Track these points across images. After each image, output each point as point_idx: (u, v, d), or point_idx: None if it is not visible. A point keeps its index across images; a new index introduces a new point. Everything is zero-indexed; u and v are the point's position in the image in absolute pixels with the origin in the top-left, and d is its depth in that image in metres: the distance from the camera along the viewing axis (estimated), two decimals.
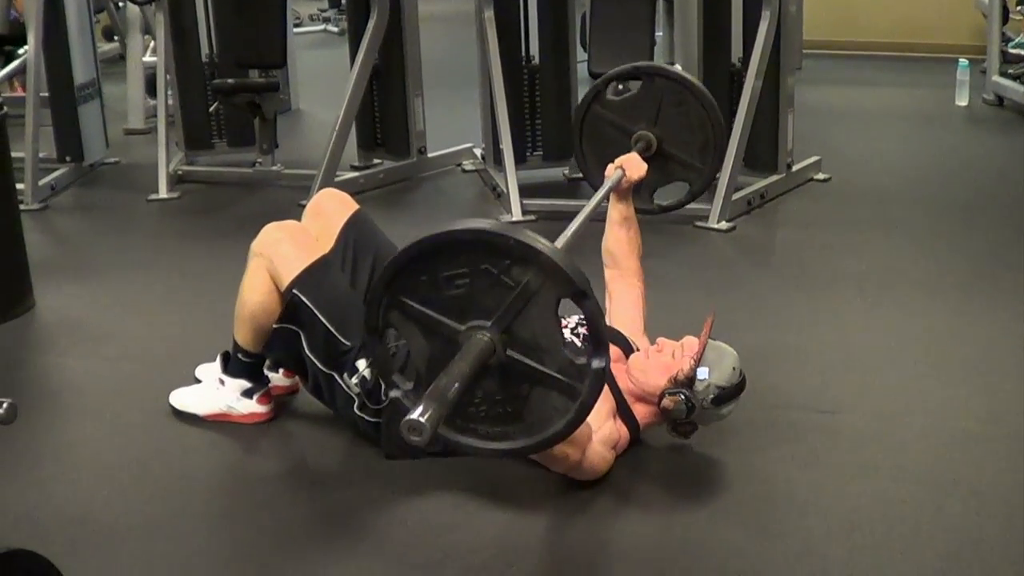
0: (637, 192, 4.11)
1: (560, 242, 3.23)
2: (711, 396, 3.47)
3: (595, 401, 2.75)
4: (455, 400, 2.52)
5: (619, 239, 4.01)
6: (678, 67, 6.26)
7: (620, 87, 4.63)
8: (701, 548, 3.18)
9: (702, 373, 3.46)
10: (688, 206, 4.71)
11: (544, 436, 2.82)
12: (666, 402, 3.48)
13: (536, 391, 2.77)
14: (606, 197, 3.98)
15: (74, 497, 3.54)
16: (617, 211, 4.03)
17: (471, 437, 2.87)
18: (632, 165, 4.03)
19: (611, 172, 4.02)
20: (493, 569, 3.10)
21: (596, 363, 2.71)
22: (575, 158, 4.60)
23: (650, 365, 3.56)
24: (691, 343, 3.56)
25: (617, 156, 4.09)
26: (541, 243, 2.65)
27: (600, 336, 2.71)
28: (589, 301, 2.67)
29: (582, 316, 2.73)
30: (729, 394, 3.50)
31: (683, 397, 3.45)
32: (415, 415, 2.42)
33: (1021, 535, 3.16)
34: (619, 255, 3.99)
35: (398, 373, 2.92)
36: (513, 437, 2.85)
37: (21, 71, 7.46)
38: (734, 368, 3.51)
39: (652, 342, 3.77)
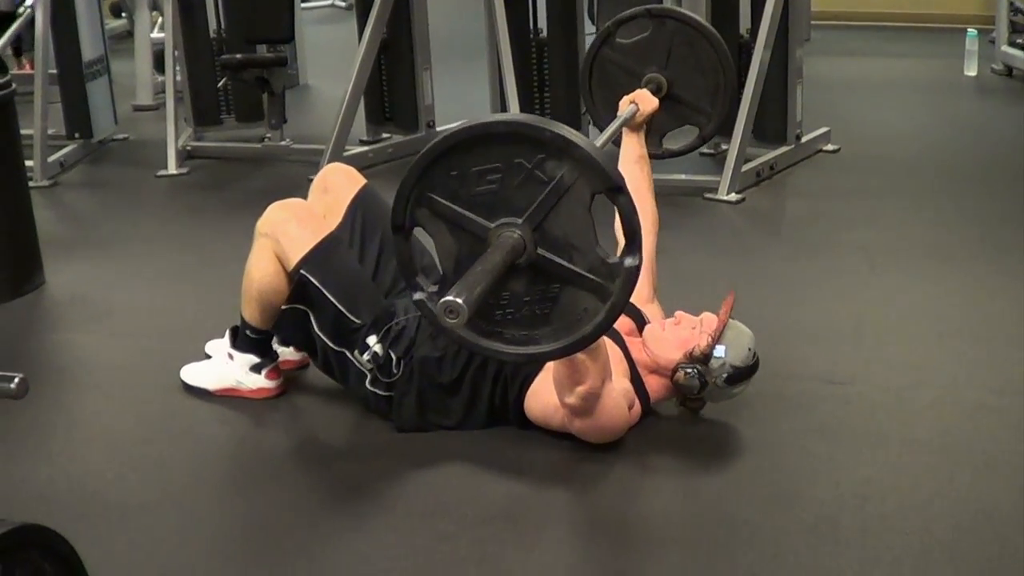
0: (647, 136, 4.09)
1: None
2: (725, 375, 3.48)
3: (626, 302, 2.74)
4: (486, 292, 2.50)
5: (633, 176, 3.91)
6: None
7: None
8: (714, 518, 3.19)
9: (719, 351, 3.47)
10: (697, 178, 4.70)
11: (572, 339, 2.79)
12: (679, 376, 3.48)
13: (566, 291, 2.75)
14: (619, 130, 3.95)
15: (85, 472, 3.55)
16: (631, 149, 4.00)
17: (497, 341, 2.85)
18: (644, 99, 4.01)
19: (624, 106, 4.00)
20: (506, 540, 3.11)
21: (629, 261, 2.69)
22: (583, 102, 4.57)
23: (667, 338, 3.56)
24: (710, 320, 3.56)
25: None
26: (578, 136, 2.63)
27: (635, 233, 2.68)
28: (623, 197, 2.64)
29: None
30: (743, 374, 3.51)
31: (697, 372, 3.46)
32: (451, 296, 2.41)
33: None
34: (634, 194, 3.97)
35: (421, 274, 2.89)
36: (540, 341, 2.82)
37: (19, 40, 7.45)
38: (750, 349, 3.52)
39: (662, 308, 3.77)
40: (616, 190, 2.64)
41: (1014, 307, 4.50)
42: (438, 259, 2.87)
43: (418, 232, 2.88)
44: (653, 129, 4.13)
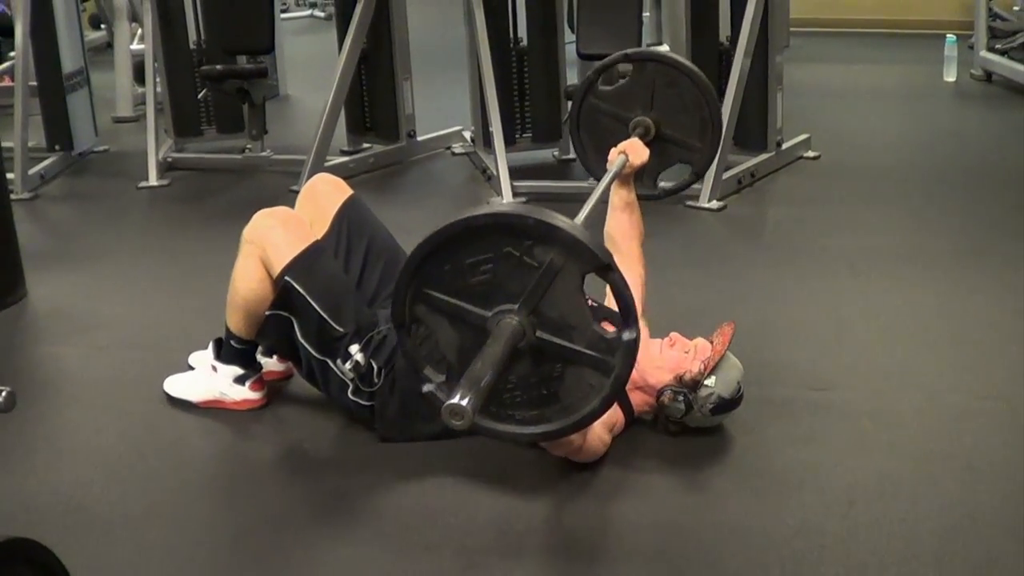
0: (639, 179, 4.09)
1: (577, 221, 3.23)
2: (711, 405, 3.50)
3: (629, 374, 2.77)
4: (491, 385, 2.53)
5: (620, 224, 3.96)
6: (665, 47, 6.25)
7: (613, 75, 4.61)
8: (700, 526, 3.19)
9: (709, 380, 3.49)
10: None
11: (581, 415, 2.84)
12: (666, 398, 3.50)
13: (569, 370, 2.79)
14: (610, 186, 3.97)
15: (70, 484, 3.53)
16: (619, 197, 4.01)
17: (509, 424, 2.90)
18: (635, 150, 4.01)
19: (614, 158, 4.01)
20: (492, 551, 3.11)
21: (627, 335, 2.72)
22: (575, 152, 4.58)
23: (659, 358, 3.59)
24: (703, 346, 3.59)
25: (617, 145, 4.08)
26: (561, 220, 2.65)
27: (629, 308, 2.71)
28: (614, 274, 2.67)
29: None
30: (728, 406, 3.55)
31: (684, 397, 3.47)
32: (455, 399, 2.43)
33: (1017, 509, 3.17)
34: (620, 240, 3.96)
35: (429, 367, 2.92)
36: (550, 419, 2.87)
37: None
38: (738, 382, 3.56)
39: (652, 330, 3.78)
40: (605, 269, 2.68)
41: (996, 311, 4.52)
42: (443, 351, 2.89)
43: None
44: (646, 171, 4.13)
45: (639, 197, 4.04)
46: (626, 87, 4.33)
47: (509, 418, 2.89)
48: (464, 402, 2.44)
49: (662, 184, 4.41)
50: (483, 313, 2.76)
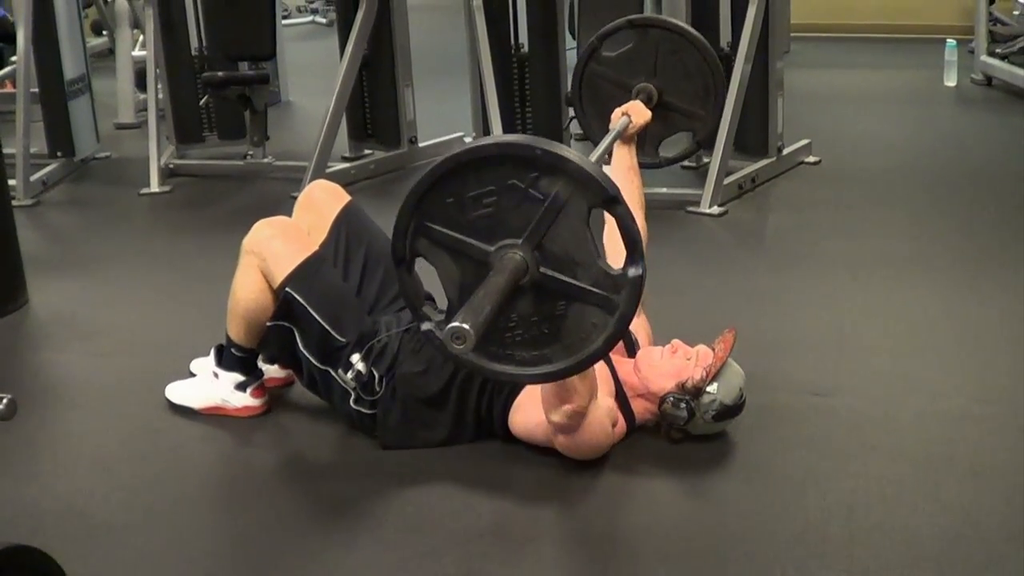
0: (641, 147, 4.08)
1: None
2: (713, 412, 3.50)
3: (634, 312, 2.74)
4: (492, 316, 2.50)
5: (624, 189, 3.89)
6: None
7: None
8: (701, 531, 3.19)
9: (711, 387, 3.48)
10: (680, 191, 4.70)
11: (583, 355, 2.80)
12: (668, 405, 3.49)
13: (573, 307, 2.75)
14: (613, 144, 3.95)
15: (72, 491, 3.54)
16: (622, 160, 3.99)
17: (509, 364, 2.86)
18: (637, 111, 4.00)
19: (617, 118, 3.99)
20: (492, 556, 3.10)
21: (633, 271, 2.69)
22: (576, 119, 4.57)
23: (661, 365, 3.57)
24: (705, 353, 3.57)
25: None
26: (568, 151, 2.63)
27: (636, 243, 2.68)
28: (621, 207, 2.64)
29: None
30: (730, 412, 3.54)
31: (686, 405, 3.47)
32: (456, 322, 2.41)
33: (1019, 514, 3.17)
34: None
35: (428, 305, 2.89)
36: (551, 360, 2.83)
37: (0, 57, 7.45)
38: (740, 389, 3.55)
39: (654, 336, 3.78)
40: (612, 201, 2.65)
41: (997, 315, 4.52)
42: (443, 288, 2.87)
43: (420, 263, 2.89)
44: (648, 139, 4.13)
45: (641, 165, 4.03)
46: (629, 53, 4.32)
47: (508, 358, 2.85)
48: (466, 325, 2.42)
49: (663, 153, 4.40)
50: (485, 247, 2.73)
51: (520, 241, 2.69)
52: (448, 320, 2.75)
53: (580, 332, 2.78)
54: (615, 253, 3.38)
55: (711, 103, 4.28)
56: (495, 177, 2.68)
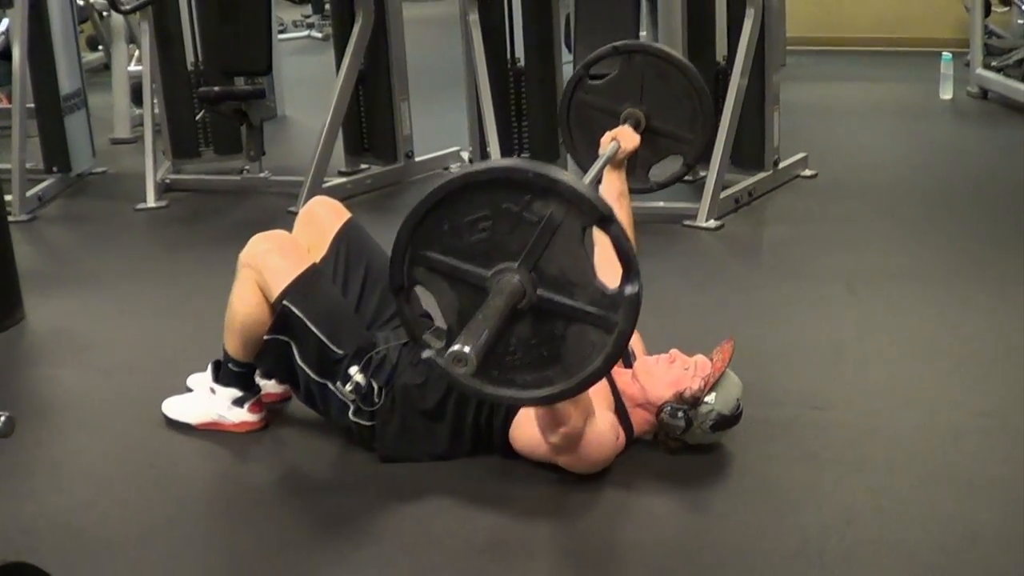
0: (631, 172, 4.09)
1: None
2: (711, 422, 3.50)
3: (632, 330, 2.74)
4: (492, 338, 2.51)
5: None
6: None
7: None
8: (699, 545, 3.19)
9: (709, 397, 3.48)
10: (676, 205, 4.70)
11: (583, 375, 2.80)
12: (665, 415, 3.49)
13: (571, 328, 2.75)
14: (603, 170, 3.95)
15: (69, 508, 3.53)
16: (612, 185, 3.99)
17: (511, 388, 2.85)
18: (625, 136, 4.01)
19: (605, 143, 4.00)
20: (492, 572, 3.10)
21: (629, 289, 2.69)
22: (566, 147, 4.57)
23: (659, 375, 3.57)
24: (704, 363, 3.57)
25: None
26: (560, 172, 2.64)
27: (631, 261, 2.68)
28: (615, 226, 2.64)
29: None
30: (727, 422, 3.54)
31: (684, 414, 3.47)
32: (457, 346, 2.41)
33: (1017, 528, 3.17)
34: None
35: (428, 333, 2.90)
36: (553, 381, 2.82)
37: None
38: (738, 399, 3.55)
39: (652, 348, 3.77)
40: (606, 220, 2.65)
41: (994, 329, 4.52)
42: (442, 315, 2.87)
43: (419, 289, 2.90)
44: (638, 164, 4.14)
45: (631, 191, 4.03)
46: (615, 80, 4.33)
47: (510, 382, 2.85)
48: (467, 348, 2.43)
49: (653, 178, 4.40)
50: (482, 272, 2.73)
51: (516, 264, 2.70)
52: (448, 346, 2.76)
53: (579, 352, 2.78)
54: (606, 273, 3.43)
55: (699, 126, 4.29)
56: (489, 202, 2.69)
